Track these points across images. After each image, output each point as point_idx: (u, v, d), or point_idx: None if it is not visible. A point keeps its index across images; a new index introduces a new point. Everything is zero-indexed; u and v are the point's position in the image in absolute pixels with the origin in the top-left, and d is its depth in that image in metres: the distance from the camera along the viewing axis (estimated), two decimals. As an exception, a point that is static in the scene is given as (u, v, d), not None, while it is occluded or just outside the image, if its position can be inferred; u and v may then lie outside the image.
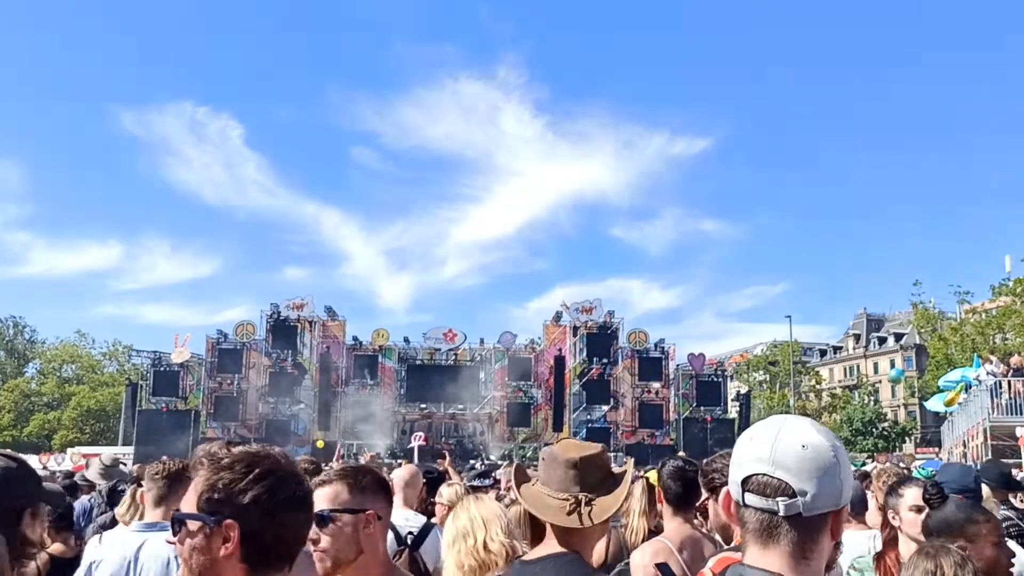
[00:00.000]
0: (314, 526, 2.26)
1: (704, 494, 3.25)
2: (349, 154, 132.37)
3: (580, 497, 2.28)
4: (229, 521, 1.59)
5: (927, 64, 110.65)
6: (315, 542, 2.26)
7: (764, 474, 1.42)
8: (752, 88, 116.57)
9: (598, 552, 4.09)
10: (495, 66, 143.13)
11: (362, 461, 18.10)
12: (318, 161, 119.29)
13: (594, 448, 2.41)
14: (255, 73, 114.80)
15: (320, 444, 27.59)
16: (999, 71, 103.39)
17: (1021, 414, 19.64)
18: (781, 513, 1.40)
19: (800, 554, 1.40)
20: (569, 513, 2.26)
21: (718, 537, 3.41)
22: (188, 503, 1.66)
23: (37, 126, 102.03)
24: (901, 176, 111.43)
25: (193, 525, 1.62)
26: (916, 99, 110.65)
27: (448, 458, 14.94)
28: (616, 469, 2.47)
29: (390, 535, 4.77)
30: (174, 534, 1.65)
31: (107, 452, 13.83)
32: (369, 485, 2.38)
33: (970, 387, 22.90)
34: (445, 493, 5.43)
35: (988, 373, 20.66)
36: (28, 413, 60.84)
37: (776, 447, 1.43)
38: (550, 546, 2.32)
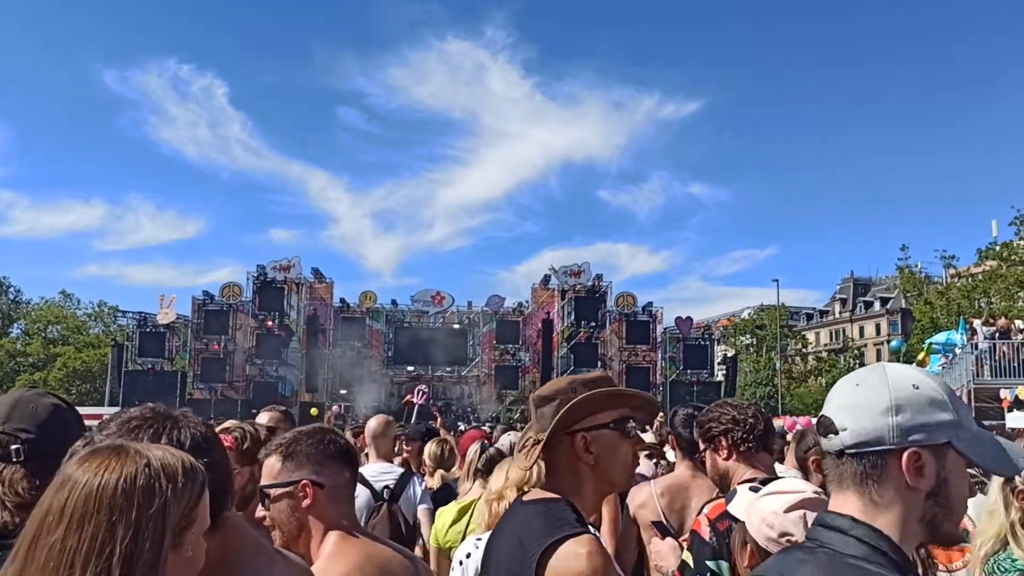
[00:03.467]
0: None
1: (702, 444, 3.16)
2: (335, 114, 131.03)
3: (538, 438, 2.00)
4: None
5: (916, 28, 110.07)
6: (262, 520, 2.19)
7: (823, 414, 1.43)
8: (743, 50, 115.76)
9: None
10: (482, 25, 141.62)
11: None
12: (304, 121, 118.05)
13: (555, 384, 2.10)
14: (239, 31, 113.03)
15: (314, 412, 27.58)
16: (988, 35, 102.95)
17: (1005, 376, 19.82)
18: (824, 448, 1.40)
19: (867, 497, 1.34)
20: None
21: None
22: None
23: (19, 84, 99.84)
24: (889, 140, 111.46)
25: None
26: (906, 63, 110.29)
27: (440, 419, 15.04)
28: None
29: (365, 492, 4.69)
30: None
31: (92, 413, 13.68)
32: (303, 452, 2.20)
33: (948, 349, 23.02)
34: (427, 450, 6.02)
35: (985, 337, 20.76)
36: (14, 374, 60.50)
37: (838, 387, 1.43)
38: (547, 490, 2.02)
